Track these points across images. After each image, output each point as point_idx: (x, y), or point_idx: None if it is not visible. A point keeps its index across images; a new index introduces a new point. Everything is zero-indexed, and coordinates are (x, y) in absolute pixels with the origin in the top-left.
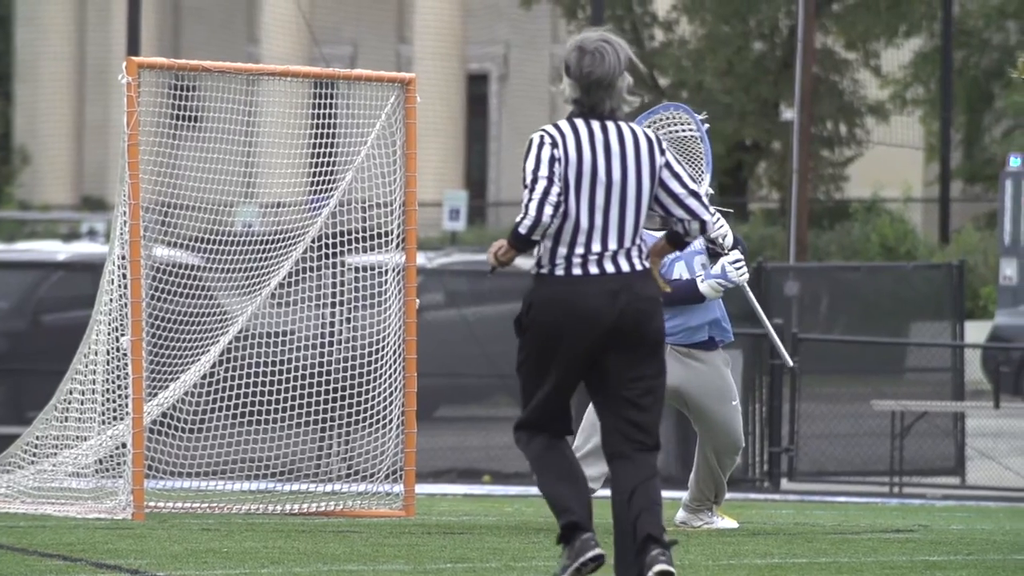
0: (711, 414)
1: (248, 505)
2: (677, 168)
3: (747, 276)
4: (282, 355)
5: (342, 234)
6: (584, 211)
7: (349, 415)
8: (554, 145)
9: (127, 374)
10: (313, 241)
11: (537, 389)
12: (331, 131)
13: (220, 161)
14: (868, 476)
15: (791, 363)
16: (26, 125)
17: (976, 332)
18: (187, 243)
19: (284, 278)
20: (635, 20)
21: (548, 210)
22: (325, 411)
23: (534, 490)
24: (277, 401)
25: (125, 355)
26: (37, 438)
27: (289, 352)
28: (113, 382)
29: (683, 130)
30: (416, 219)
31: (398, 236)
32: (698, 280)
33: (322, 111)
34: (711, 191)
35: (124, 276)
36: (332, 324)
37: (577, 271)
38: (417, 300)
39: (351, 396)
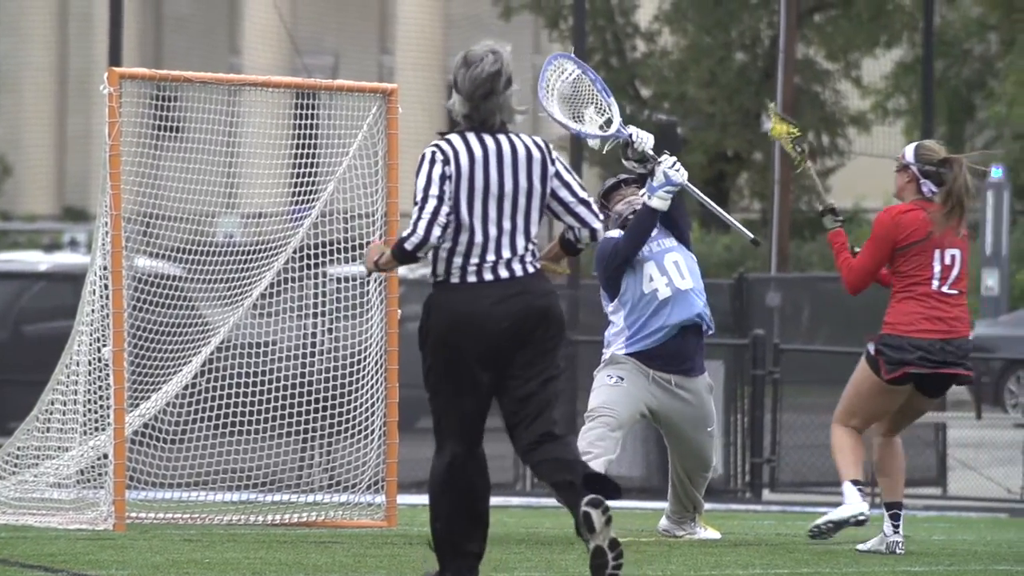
0: (685, 439)
1: (229, 516)
2: (567, 176)
3: (686, 174)
4: (264, 366)
5: (324, 244)
6: (478, 223)
7: (331, 425)
8: (445, 162)
9: (109, 385)
10: (295, 252)
11: (445, 397)
12: (313, 141)
13: (202, 171)
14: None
15: (751, 236)
16: (8, 135)
17: None
18: (169, 254)
19: (266, 289)
20: (617, 31)
21: (436, 231)
22: (307, 422)
23: (515, 500)
24: (259, 412)
25: (107, 366)
26: (18, 448)
27: (271, 363)
28: (95, 393)
29: (573, 74)
30: (398, 230)
31: None
32: (647, 201)
33: (304, 121)
34: (630, 134)
35: (106, 287)
36: (314, 335)
37: (472, 278)
38: (399, 311)
39: (333, 407)
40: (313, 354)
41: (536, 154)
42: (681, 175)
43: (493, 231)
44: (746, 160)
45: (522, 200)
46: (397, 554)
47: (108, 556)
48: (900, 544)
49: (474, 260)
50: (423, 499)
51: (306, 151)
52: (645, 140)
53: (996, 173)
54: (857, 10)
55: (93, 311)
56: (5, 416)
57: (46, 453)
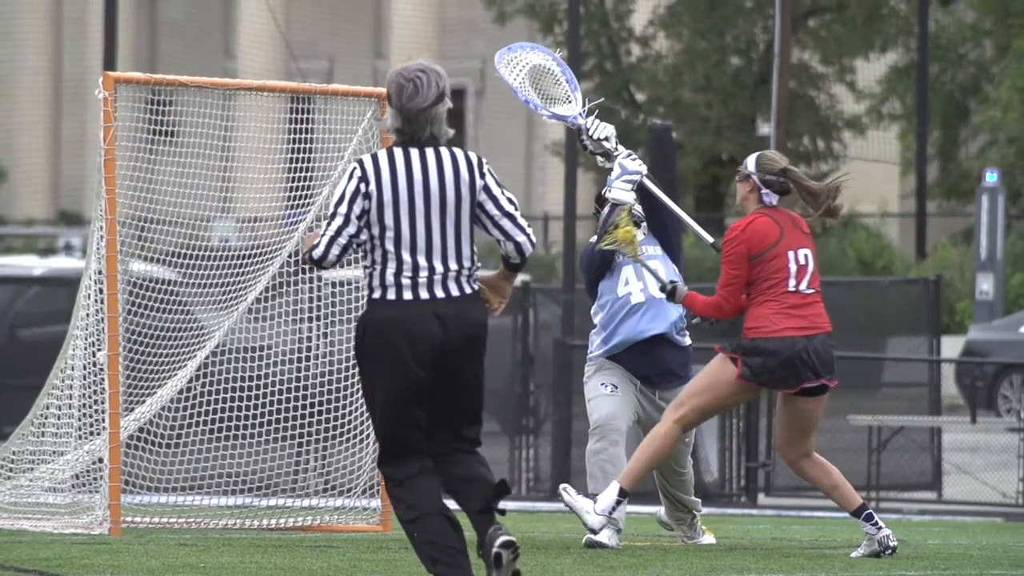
0: None
1: (225, 520)
2: (496, 190)
3: (644, 167)
4: (259, 370)
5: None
6: (405, 239)
7: (326, 430)
8: (362, 179)
9: (104, 389)
10: (290, 256)
11: (388, 415)
12: (308, 146)
13: (197, 176)
14: None
15: (711, 240)
16: (2, 140)
17: (953, 347)
18: (164, 258)
19: (261, 293)
20: (612, 35)
21: (335, 250)
22: (302, 426)
23: (510, 505)
24: (254, 416)
25: (101, 370)
26: (14, 453)
27: (266, 367)
28: (90, 397)
29: (537, 61)
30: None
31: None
32: (606, 193)
33: (299, 126)
34: (586, 123)
35: (101, 291)
36: (309, 339)
37: (407, 295)
38: None
39: (328, 411)
40: (308, 358)
41: (463, 167)
42: (637, 165)
43: (422, 244)
44: (741, 164)
45: (450, 214)
46: (393, 558)
47: (103, 560)
48: (889, 536)
49: (407, 274)
50: None
51: (301, 155)
52: (600, 130)
53: (991, 178)
54: (851, 14)
55: (88, 315)
56: (0, 420)
57: (41, 457)
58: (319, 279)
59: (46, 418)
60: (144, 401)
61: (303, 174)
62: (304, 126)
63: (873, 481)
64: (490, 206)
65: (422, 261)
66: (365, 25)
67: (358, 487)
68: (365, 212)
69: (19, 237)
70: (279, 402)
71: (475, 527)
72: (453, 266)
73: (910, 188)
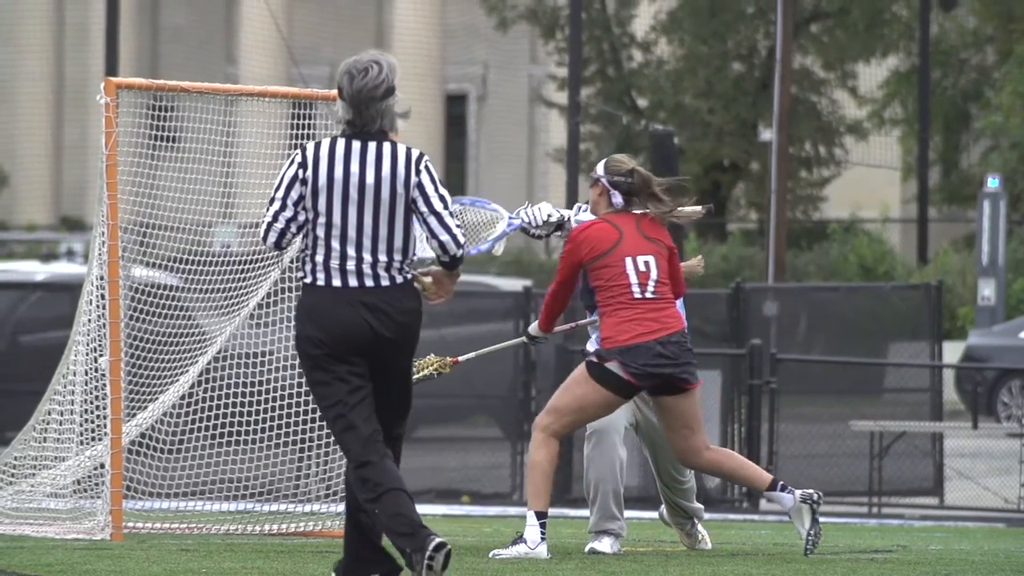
0: (659, 448)
1: (227, 525)
2: (429, 188)
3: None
4: (260, 375)
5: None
6: (336, 227)
7: (327, 435)
8: (301, 165)
9: (105, 395)
10: (291, 261)
11: (337, 404)
12: None
13: (199, 181)
14: (847, 496)
15: (703, 207)
16: (4, 145)
17: (954, 352)
18: (166, 263)
19: (263, 298)
20: (613, 41)
21: (272, 236)
22: (303, 431)
23: (513, 510)
24: (255, 421)
25: (103, 376)
26: (16, 459)
27: (267, 372)
28: (91, 403)
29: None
30: None
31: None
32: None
33: (301, 131)
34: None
35: (102, 296)
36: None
37: (337, 282)
38: None
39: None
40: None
41: (401, 162)
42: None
43: (352, 235)
44: (743, 170)
45: (384, 206)
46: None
47: (105, 566)
48: (807, 492)
49: (335, 262)
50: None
51: None
52: (537, 214)
53: (993, 183)
54: (853, 19)
55: (90, 321)
56: (2, 426)
57: (43, 463)
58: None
59: (48, 423)
60: (146, 407)
61: None
62: (306, 132)
63: (875, 487)
64: (420, 203)
65: (351, 250)
66: (367, 31)
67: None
68: (302, 198)
69: (21, 243)
70: (281, 407)
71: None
72: (383, 257)
73: (912, 193)
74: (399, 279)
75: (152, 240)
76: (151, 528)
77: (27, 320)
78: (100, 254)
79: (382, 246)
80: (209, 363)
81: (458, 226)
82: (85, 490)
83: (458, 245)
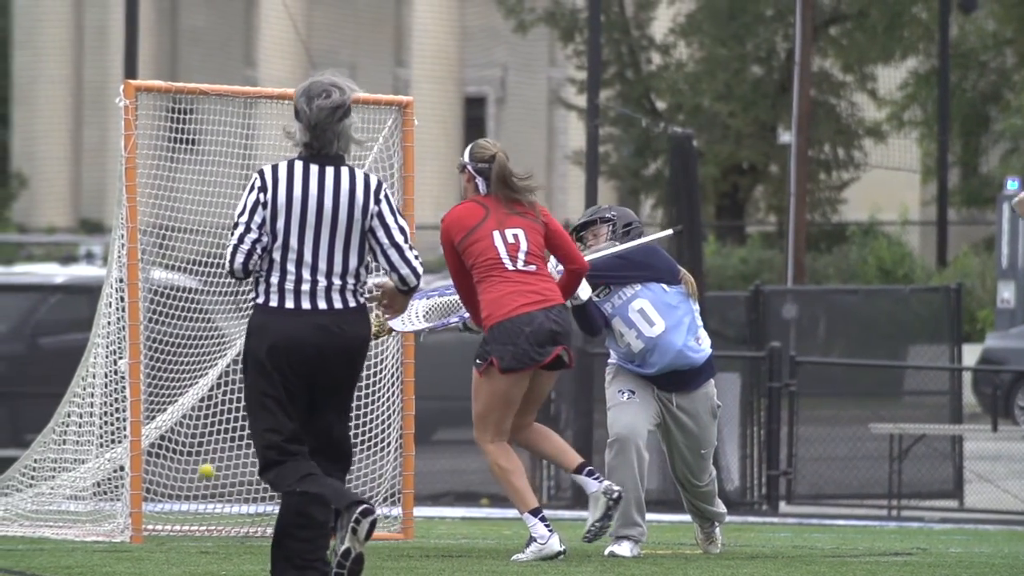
0: (680, 454)
1: (246, 528)
2: (389, 218)
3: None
4: None
5: None
6: (292, 250)
7: (361, 443)
8: (262, 188)
9: (125, 397)
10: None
11: (268, 417)
12: None
13: (218, 183)
14: (866, 499)
15: (674, 229)
16: (23, 148)
17: (974, 355)
18: (185, 266)
19: None
20: (632, 43)
21: (240, 258)
22: None
23: None
24: None
25: (123, 378)
26: (35, 461)
27: None
28: (111, 405)
29: (422, 309)
30: (415, 241)
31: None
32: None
33: None
34: None
35: (122, 299)
36: None
37: (289, 304)
38: None
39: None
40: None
41: (360, 189)
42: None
43: (309, 257)
44: (761, 172)
45: (340, 231)
46: (414, 567)
47: (125, 568)
48: (615, 492)
49: (289, 285)
50: (440, 511)
51: None
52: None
53: (1012, 185)
54: (872, 22)
55: (109, 323)
56: (22, 429)
57: (63, 465)
58: None
59: (67, 426)
60: (165, 409)
61: None
62: None
63: (894, 489)
64: (380, 233)
65: (305, 273)
66: (386, 33)
67: (379, 495)
68: (264, 221)
69: (40, 245)
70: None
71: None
72: (337, 281)
73: (931, 196)
74: (351, 303)
75: (171, 242)
76: (171, 531)
77: (46, 322)
78: (119, 256)
79: (337, 269)
80: (228, 365)
81: (416, 256)
82: (105, 492)
83: (417, 277)
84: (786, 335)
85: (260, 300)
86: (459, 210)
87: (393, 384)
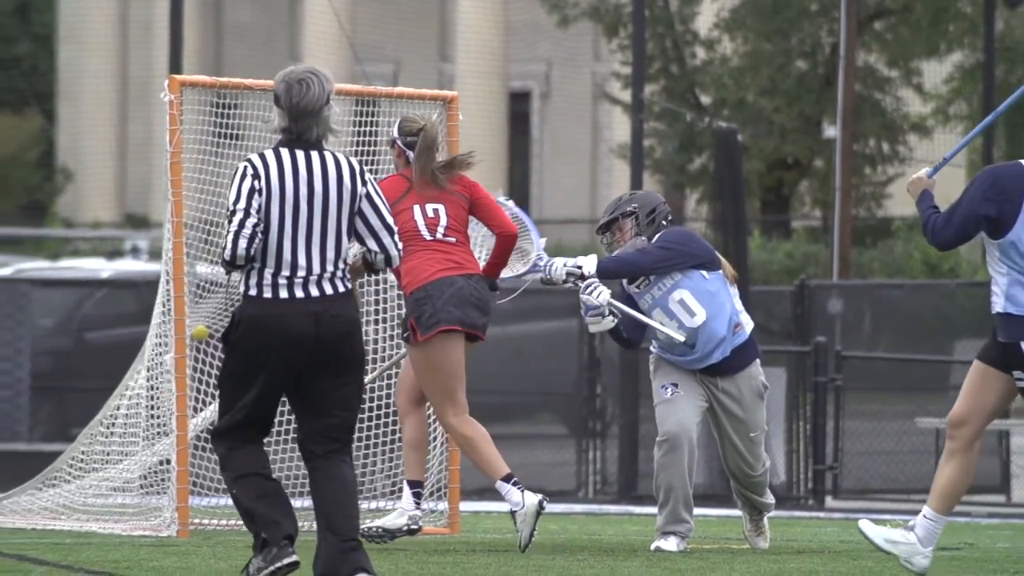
0: (728, 439)
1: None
2: (377, 200)
3: (606, 294)
4: None
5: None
6: (287, 238)
7: (393, 432)
8: (255, 176)
9: (171, 390)
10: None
11: (239, 401)
12: (373, 148)
13: None
14: (913, 494)
15: (681, 338)
16: (69, 143)
17: None
18: None
19: None
20: (676, 38)
21: (243, 243)
22: (369, 428)
23: (577, 507)
24: None
25: (169, 372)
26: (82, 453)
27: None
28: (157, 399)
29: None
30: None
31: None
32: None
33: (364, 128)
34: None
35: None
36: (375, 341)
37: (283, 294)
38: None
39: (395, 413)
40: (374, 360)
41: (346, 172)
42: (597, 298)
43: (302, 245)
44: (806, 167)
45: (331, 216)
46: (460, 561)
47: (171, 563)
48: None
49: (284, 273)
50: (486, 506)
51: (366, 158)
52: (556, 271)
53: None
54: (917, 16)
55: (162, 316)
56: (68, 423)
57: (109, 458)
58: (385, 281)
59: (115, 419)
60: (211, 403)
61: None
62: (369, 128)
63: None
64: (371, 216)
65: (301, 260)
66: (430, 28)
67: (425, 489)
68: (260, 207)
69: (86, 240)
70: (362, 407)
71: (321, 545)
72: (329, 268)
73: None
74: (341, 288)
75: (217, 237)
76: (217, 525)
77: (92, 317)
78: (167, 251)
79: (330, 255)
80: None
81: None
82: (151, 486)
83: (400, 258)
84: (832, 330)
85: (253, 291)
86: (383, 184)
87: None
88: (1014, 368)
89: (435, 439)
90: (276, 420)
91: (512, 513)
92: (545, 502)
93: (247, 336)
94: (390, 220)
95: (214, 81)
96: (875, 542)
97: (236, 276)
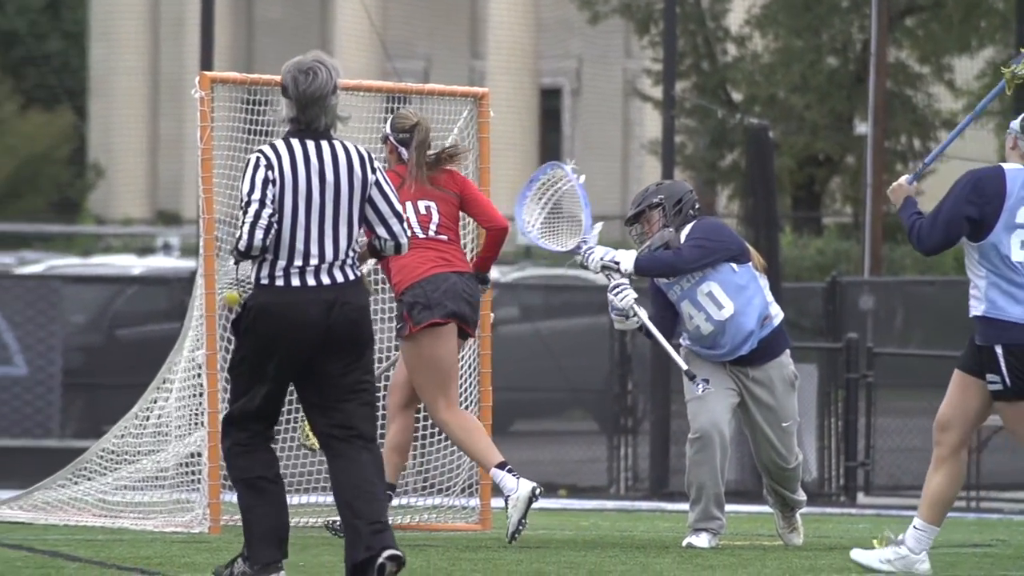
0: (760, 430)
1: (324, 518)
2: (386, 188)
3: (631, 298)
4: None
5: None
6: (301, 227)
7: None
8: (269, 167)
9: (202, 387)
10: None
11: (250, 389)
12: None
13: None
14: None
15: (694, 376)
16: (100, 140)
17: None
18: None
19: None
20: (708, 35)
21: (259, 234)
22: None
23: (610, 504)
24: None
25: (199, 366)
26: (114, 444)
27: None
28: (189, 395)
29: (564, 185)
30: None
31: (472, 251)
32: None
33: None
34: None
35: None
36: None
37: (296, 282)
38: (491, 314)
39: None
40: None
41: (356, 161)
42: (621, 301)
43: (315, 233)
44: (838, 164)
45: (343, 205)
46: (492, 557)
47: (203, 559)
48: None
49: (297, 262)
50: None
51: None
52: (593, 261)
53: None
54: (948, 12)
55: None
56: (99, 419)
57: (140, 451)
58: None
59: (148, 415)
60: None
61: None
62: None
63: (973, 480)
64: (381, 203)
65: (313, 249)
66: (461, 25)
67: (457, 486)
68: (275, 198)
69: (117, 236)
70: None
71: (348, 532)
72: (341, 256)
73: None
74: (351, 275)
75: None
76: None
77: (123, 314)
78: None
79: (342, 244)
80: None
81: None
82: (183, 483)
83: (408, 246)
84: (863, 326)
85: (265, 281)
86: None
87: (470, 375)
88: (987, 371)
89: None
90: (284, 410)
91: (505, 499)
92: (539, 491)
93: (258, 323)
94: (399, 207)
95: (245, 78)
96: (871, 567)
97: (244, 266)
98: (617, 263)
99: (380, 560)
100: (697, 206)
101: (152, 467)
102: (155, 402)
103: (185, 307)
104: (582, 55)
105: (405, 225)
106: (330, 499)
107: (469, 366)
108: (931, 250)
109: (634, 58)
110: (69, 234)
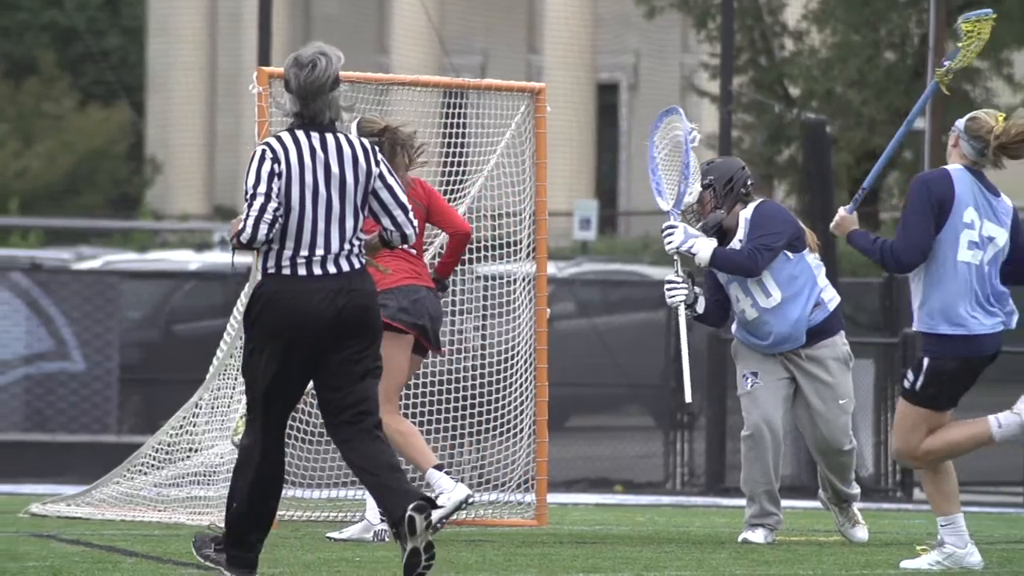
0: (816, 412)
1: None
2: (390, 179)
3: (678, 299)
4: None
5: (472, 243)
6: (307, 219)
7: (480, 424)
8: (275, 160)
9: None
10: (441, 249)
11: (264, 381)
12: (461, 140)
13: None
14: (1001, 486)
15: (688, 399)
16: (158, 135)
17: None
18: None
19: None
20: (765, 30)
21: (263, 228)
22: (456, 420)
23: (665, 499)
24: (407, 410)
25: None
26: (171, 436)
27: None
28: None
29: (678, 134)
30: (547, 229)
31: (528, 246)
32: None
33: (452, 120)
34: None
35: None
36: (462, 333)
37: (302, 271)
38: (548, 309)
39: (482, 405)
40: (462, 352)
41: (360, 154)
42: (670, 299)
43: (322, 225)
44: (895, 159)
45: (348, 196)
46: (547, 553)
47: (260, 555)
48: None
49: (303, 253)
50: (573, 498)
51: (454, 150)
52: (671, 242)
53: None
54: (1007, 6)
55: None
56: (156, 415)
57: (192, 445)
58: (471, 272)
59: (199, 411)
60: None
61: (456, 168)
62: (457, 120)
63: None
64: (385, 194)
65: (319, 240)
66: (518, 20)
67: (513, 481)
68: (280, 190)
69: (174, 232)
70: (433, 395)
71: (381, 497)
72: (346, 246)
73: None
74: (357, 264)
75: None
76: (304, 517)
77: (181, 309)
78: None
79: (348, 235)
80: None
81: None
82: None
83: (415, 236)
84: None
85: (272, 270)
86: None
87: (526, 370)
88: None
89: (521, 430)
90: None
91: (436, 496)
92: (472, 501)
93: (266, 312)
94: (403, 198)
95: None
96: (924, 570)
97: (238, 259)
98: (693, 254)
99: (410, 511)
100: (750, 182)
101: (208, 462)
102: (219, 390)
103: None
104: (639, 50)
105: (411, 216)
106: (342, 493)
107: (525, 361)
108: (910, 266)
109: (691, 53)
110: (126, 230)
